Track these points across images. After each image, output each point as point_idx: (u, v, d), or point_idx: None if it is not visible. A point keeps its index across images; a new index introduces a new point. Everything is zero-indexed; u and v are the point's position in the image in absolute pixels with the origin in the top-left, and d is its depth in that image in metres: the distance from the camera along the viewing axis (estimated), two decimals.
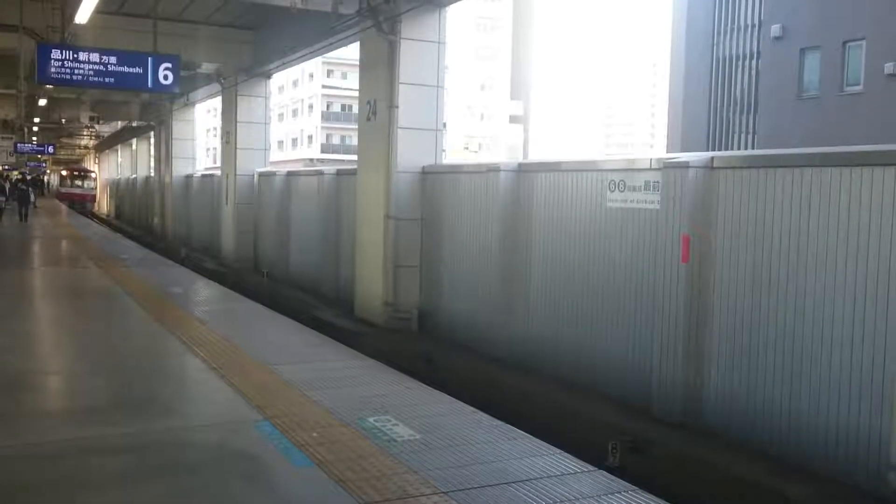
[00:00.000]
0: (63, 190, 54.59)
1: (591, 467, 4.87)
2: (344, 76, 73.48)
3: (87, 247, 18.70)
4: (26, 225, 24.99)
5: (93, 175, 57.56)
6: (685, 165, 7.80)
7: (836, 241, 6.60)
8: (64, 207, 44.01)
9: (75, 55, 11.22)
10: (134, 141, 42.85)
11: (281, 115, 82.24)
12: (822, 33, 26.17)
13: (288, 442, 5.01)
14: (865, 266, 6.38)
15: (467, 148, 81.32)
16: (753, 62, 31.16)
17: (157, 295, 11.01)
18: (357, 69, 14.20)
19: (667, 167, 8.04)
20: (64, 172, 57.40)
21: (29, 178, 54.05)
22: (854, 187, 6.47)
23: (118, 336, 8.59)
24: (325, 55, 21.82)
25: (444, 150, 13.52)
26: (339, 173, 16.29)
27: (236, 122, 21.11)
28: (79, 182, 55.11)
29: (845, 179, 6.54)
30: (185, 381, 6.84)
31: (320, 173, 16.88)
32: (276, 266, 18.99)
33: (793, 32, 27.64)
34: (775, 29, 28.30)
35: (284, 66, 20.49)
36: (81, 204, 50.52)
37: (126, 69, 11.40)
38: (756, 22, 30.89)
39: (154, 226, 31.93)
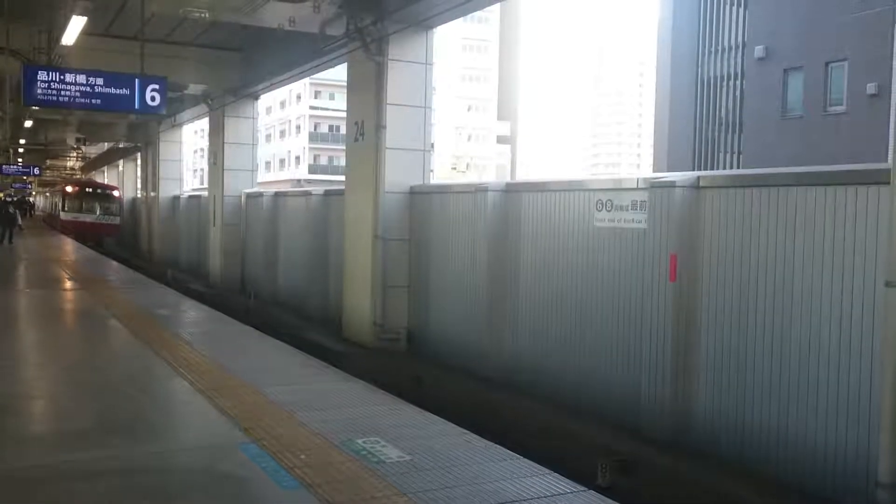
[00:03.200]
0: (68, 217, 35.47)
1: (581, 487, 4.85)
2: (331, 97, 73.68)
3: (74, 269, 18.58)
4: (12, 247, 24.80)
5: (116, 194, 37.01)
6: (672, 185, 7.85)
7: (822, 259, 6.64)
8: (54, 232, 38.96)
9: (62, 77, 11.20)
10: (121, 162, 42.72)
11: (268, 136, 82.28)
12: (804, 54, 26.51)
13: (275, 464, 4.97)
14: (851, 285, 6.42)
15: (455, 168, 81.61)
16: (738, 83, 31.48)
17: (143, 316, 10.93)
18: (345, 90, 14.25)
19: (653, 187, 8.08)
20: (70, 189, 36.76)
21: (13, 199, 45.83)
22: (838, 206, 6.53)
23: (103, 358, 8.52)
24: (312, 76, 21.89)
25: (431, 171, 13.56)
26: (326, 194, 16.28)
27: (224, 142, 21.10)
28: (94, 204, 35.43)
29: (829, 198, 6.59)
30: (171, 404, 6.78)
31: (308, 194, 16.87)
32: (264, 287, 18.91)
33: (776, 53, 27.97)
34: (759, 50, 28.65)
35: (272, 87, 20.53)
36: (96, 237, 33.97)
37: (113, 90, 11.38)
38: (740, 43, 31.25)
39: (141, 247, 31.82)
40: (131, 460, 5.09)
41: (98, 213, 35.10)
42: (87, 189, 36.72)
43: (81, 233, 33.28)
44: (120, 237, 36.68)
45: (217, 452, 5.26)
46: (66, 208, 35.89)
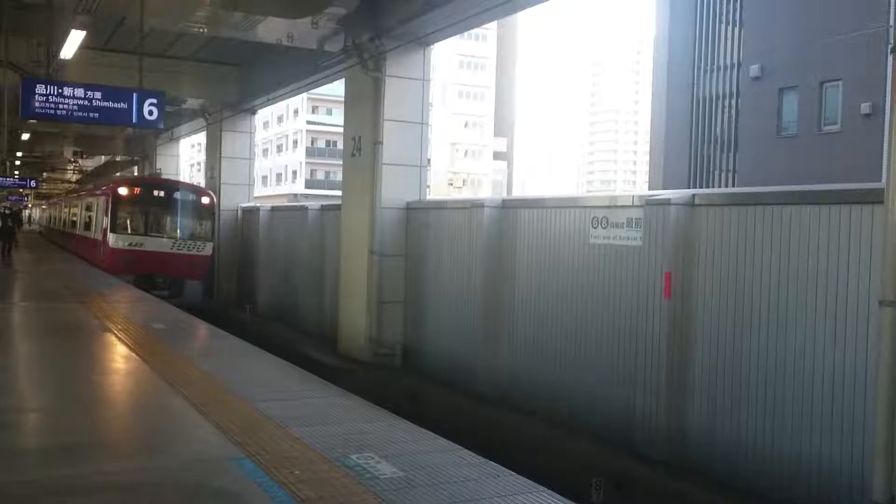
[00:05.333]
0: (123, 244, 20.33)
1: None
2: (329, 112, 73.89)
3: (72, 284, 18.52)
4: (11, 261, 24.49)
5: (206, 202, 20.99)
6: (667, 202, 7.89)
7: (816, 278, 6.67)
8: (45, 242, 36.64)
9: (60, 90, 11.22)
10: (117, 175, 42.74)
11: (265, 151, 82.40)
12: (799, 74, 26.68)
13: (269, 479, 4.95)
14: (845, 303, 6.44)
15: (451, 184, 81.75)
16: (733, 101, 31.66)
17: (139, 331, 10.91)
18: (342, 105, 14.31)
19: (649, 204, 8.12)
20: (125, 191, 20.94)
21: (10, 212, 46.95)
22: (833, 225, 6.56)
23: (98, 372, 8.49)
24: (310, 91, 22.04)
25: (428, 187, 13.60)
26: (323, 209, 16.31)
27: (221, 157, 21.16)
28: (172, 221, 20.75)
29: (824, 217, 6.63)
30: (166, 418, 6.75)
31: (304, 209, 16.90)
32: (260, 301, 18.89)
33: (771, 73, 28.15)
34: (754, 69, 28.83)
35: (269, 102, 20.62)
36: (175, 280, 20.02)
37: (111, 104, 11.40)
38: (735, 62, 31.45)
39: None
40: (126, 475, 5.06)
41: (179, 236, 20.09)
42: (157, 192, 20.54)
43: (148, 272, 19.39)
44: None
45: (211, 467, 5.24)
46: (117, 227, 20.08)
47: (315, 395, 7.47)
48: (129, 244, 19.97)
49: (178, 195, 20.48)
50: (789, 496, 6.74)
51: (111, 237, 20.20)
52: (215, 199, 20.88)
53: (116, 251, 20.03)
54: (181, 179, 30.14)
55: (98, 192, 23.88)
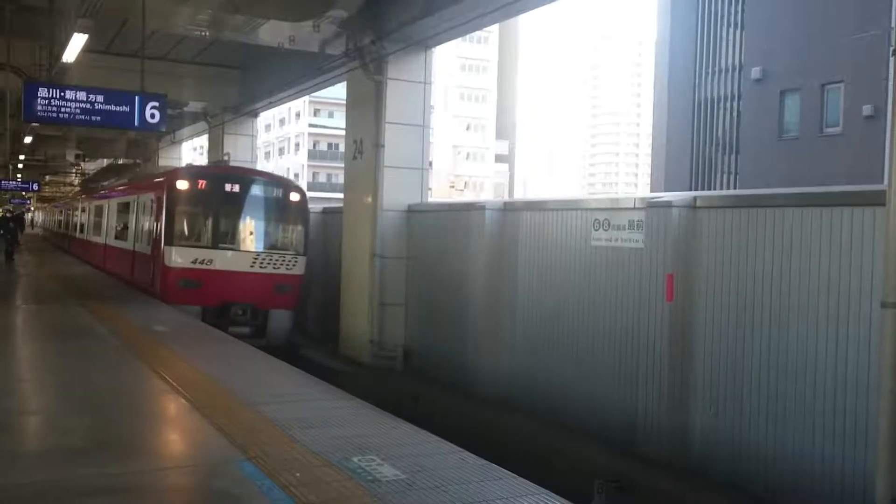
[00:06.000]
0: (185, 261, 13.94)
1: None
2: (331, 115, 73.96)
3: (74, 287, 18.53)
4: (13, 265, 24.44)
5: (296, 199, 14.85)
6: (668, 205, 7.88)
7: (818, 280, 6.66)
8: (51, 246, 35.59)
9: (62, 93, 11.25)
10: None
11: (268, 154, 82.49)
12: (801, 76, 26.67)
13: (270, 482, 4.95)
14: (847, 305, 6.44)
15: (453, 187, 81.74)
16: (735, 104, 31.65)
17: (138, 334, 10.91)
18: (344, 108, 14.32)
19: (650, 206, 8.12)
20: (184, 184, 14.54)
21: (13, 215, 41.27)
22: (834, 227, 6.56)
23: (99, 374, 8.49)
24: (311, 94, 22.05)
25: (429, 189, 13.62)
26: (324, 211, 16.31)
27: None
28: (250, 226, 14.77)
29: (825, 219, 6.63)
30: (167, 421, 6.76)
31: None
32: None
33: (772, 75, 28.14)
34: (755, 71, 28.82)
35: (271, 104, 20.65)
36: (259, 314, 13.94)
37: (113, 107, 11.43)
38: (736, 65, 31.44)
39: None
40: (127, 477, 5.06)
41: (263, 248, 14.63)
42: (230, 186, 14.78)
43: (221, 301, 13.78)
44: None
45: (213, 470, 5.24)
46: (177, 236, 14.40)
47: (316, 398, 7.47)
48: (195, 261, 13.78)
49: (258, 189, 14.77)
50: (791, 497, 6.73)
51: (168, 252, 13.92)
52: (304, 198, 14.92)
53: (176, 272, 13.84)
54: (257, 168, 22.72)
55: (143, 187, 17.23)
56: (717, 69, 32.82)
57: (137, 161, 33.05)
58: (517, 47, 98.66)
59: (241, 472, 5.16)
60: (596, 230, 9.00)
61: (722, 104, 32.62)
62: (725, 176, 32.25)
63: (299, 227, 14.56)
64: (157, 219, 14.61)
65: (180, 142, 28.95)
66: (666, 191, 27.66)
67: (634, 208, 8.50)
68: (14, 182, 39.76)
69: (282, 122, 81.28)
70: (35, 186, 41.46)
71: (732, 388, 7.37)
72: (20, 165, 38.94)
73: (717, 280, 7.57)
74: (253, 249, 14.29)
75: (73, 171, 45.56)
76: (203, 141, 27.22)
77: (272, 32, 14.06)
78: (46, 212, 49.14)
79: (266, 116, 45.60)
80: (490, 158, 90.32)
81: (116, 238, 19.73)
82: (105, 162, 41.20)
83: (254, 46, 15.89)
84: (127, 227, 18.34)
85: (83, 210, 28.33)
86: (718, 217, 7.60)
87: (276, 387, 7.91)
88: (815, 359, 6.65)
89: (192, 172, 16.01)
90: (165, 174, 16.03)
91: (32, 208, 70.61)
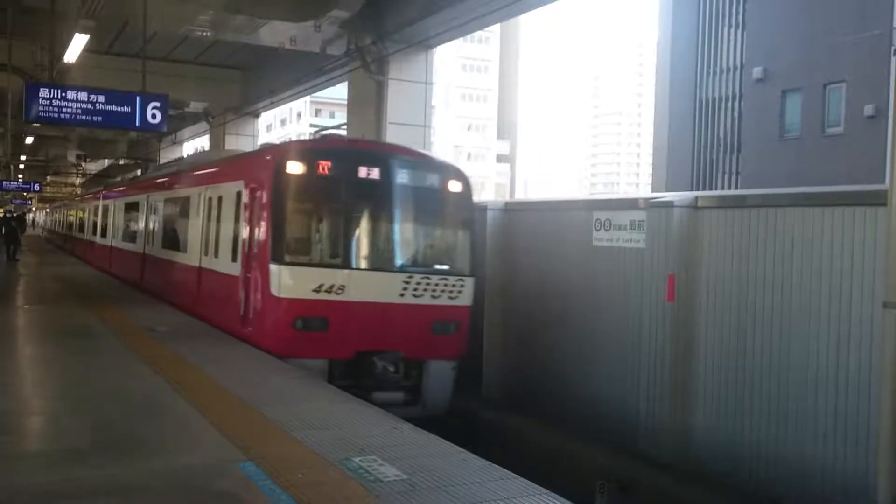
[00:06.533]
0: (310, 290, 8.98)
1: None
2: (332, 115, 74.00)
3: (71, 286, 18.54)
4: (16, 266, 24.40)
5: (456, 194, 9.76)
6: (670, 205, 7.88)
7: (820, 280, 6.65)
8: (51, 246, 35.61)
9: (63, 94, 11.26)
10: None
11: None
12: (802, 76, 26.66)
13: (272, 483, 4.95)
14: (849, 306, 6.42)
15: None
16: (736, 104, 31.64)
17: (138, 332, 10.92)
18: (345, 108, 14.32)
19: (652, 207, 8.11)
20: (297, 166, 9.26)
21: (13, 215, 45.43)
22: (836, 227, 6.55)
23: (101, 374, 8.49)
24: (312, 94, 22.05)
25: None
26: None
27: None
28: (396, 235, 9.67)
29: (827, 219, 6.62)
30: (170, 421, 6.76)
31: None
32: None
33: (774, 75, 28.13)
34: (757, 71, 28.81)
35: (272, 105, 20.67)
36: (413, 367, 9.36)
37: (114, 108, 11.44)
38: (738, 64, 31.43)
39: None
40: (130, 478, 5.06)
41: (418, 266, 9.65)
42: (365, 170, 9.46)
43: (351, 350, 9.18)
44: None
45: (215, 470, 5.24)
46: (287, 247, 9.36)
47: (317, 399, 7.47)
48: (319, 288, 9.07)
49: (408, 175, 9.71)
50: (793, 497, 6.72)
51: (276, 274, 9.19)
52: (470, 189, 10.05)
53: (291, 306, 9.18)
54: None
55: (218, 175, 12.25)
56: (718, 69, 32.81)
57: (138, 161, 33.04)
58: (518, 47, 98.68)
59: (243, 472, 5.16)
60: (597, 230, 8.99)
61: (723, 104, 32.61)
62: (727, 176, 32.24)
63: (465, 233, 9.75)
64: (255, 221, 9.67)
65: (181, 142, 28.99)
66: (667, 191, 27.64)
67: (636, 208, 8.48)
68: (15, 183, 39.83)
69: (283, 122, 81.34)
70: (36, 187, 41.53)
71: (734, 387, 7.34)
72: (21, 166, 39.02)
73: (719, 280, 7.54)
74: (403, 269, 9.39)
75: (75, 171, 45.67)
76: (204, 141, 27.22)
77: (273, 33, 14.09)
78: (57, 209, 40.85)
79: (267, 117, 45.63)
80: (491, 158, 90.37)
81: (166, 247, 14.55)
82: (106, 162, 41.28)
83: (255, 47, 15.93)
84: (186, 233, 13.20)
85: (105, 209, 22.64)
86: (720, 217, 7.57)
87: (278, 387, 7.91)
88: (817, 358, 6.64)
89: (310, 150, 9.82)
90: (265, 153, 10.87)
91: (34, 209, 70.74)
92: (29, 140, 27.32)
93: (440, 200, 9.83)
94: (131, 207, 18.64)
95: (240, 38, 14.90)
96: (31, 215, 68.47)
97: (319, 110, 76.12)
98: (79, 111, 11.35)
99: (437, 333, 9.35)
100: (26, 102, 11.22)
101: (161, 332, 11.13)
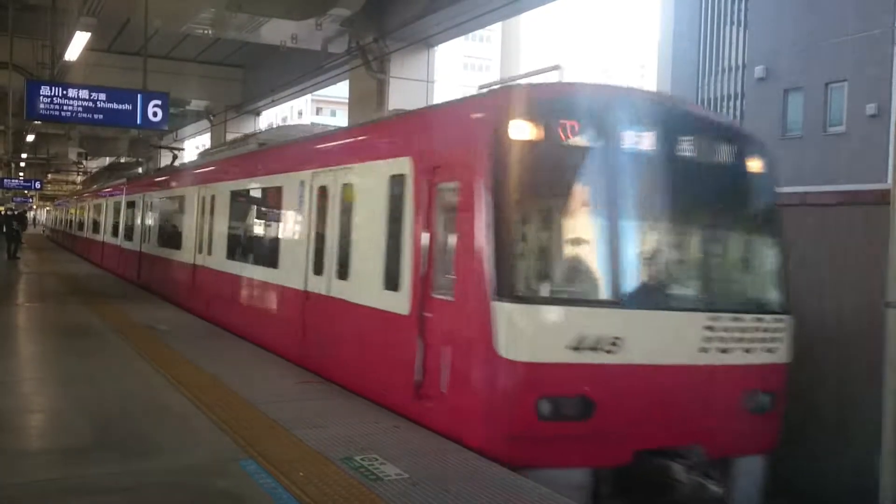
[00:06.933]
0: (568, 349, 5.29)
1: None
2: (333, 114, 73.94)
3: (81, 286, 18.52)
4: (17, 264, 24.33)
5: (759, 180, 6.23)
6: None
7: (820, 280, 6.63)
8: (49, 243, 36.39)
9: (65, 91, 11.26)
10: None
11: None
12: (804, 75, 26.64)
13: (274, 481, 4.94)
14: (851, 304, 6.41)
15: None
16: (738, 102, 31.63)
17: (141, 330, 10.91)
18: (346, 107, 14.33)
19: None
20: (527, 132, 5.45)
21: (14, 213, 43.72)
22: (837, 227, 6.53)
23: (102, 373, 8.49)
24: (314, 93, 22.07)
25: None
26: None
27: None
28: (702, 260, 6.12)
29: (830, 218, 6.60)
30: (171, 419, 6.75)
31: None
32: None
33: (776, 74, 28.11)
34: (759, 70, 28.79)
35: (274, 103, 20.65)
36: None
37: (115, 106, 11.44)
38: (740, 63, 31.42)
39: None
40: (132, 476, 5.05)
41: (725, 302, 6.03)
42: (663, 142, 5.92)
43: (630, 449, 5.60)
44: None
45: (216, 468, 5.23)
46: (516, 280, 5.49)
47: (318, 398, 7.46)
48: (579, 344, 5.43)
49: (709, 146, 6.19)
50: (792, 498, 6.71)
51: (506, 317, 5.45)
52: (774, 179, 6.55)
53: (534, 378, 5.45)
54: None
55: (361, 142, 8.91)
56: (720, 68, 32.80)
57: (139, 159, 32.96)
58: (519, 46, 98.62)
59: (244, 470, 5.16)
60: None
61: (725, 103, 32.60)
62: None
63: (775, 243, 6.37)
64: (442, 225, 6.30)
65: (183, 140, 28.95)
66: None
67: None
68: (16, 180, 39.80)
69: (284, 120, 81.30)
70: (38, 185, 41.53)
71: None
72: (22, 164, 39.04)
73: None
74: (708, 306, 5.94)
75: (77, 169, 45.69)
76: (206, 139, 27.22)
77: (275, 31, 14.09)
78: (69, 203, 35.71)
79: (268, 115, 45.55)
80: None
81: (237, 259, 11.11)
82: (107, 160, 41.29)
83: (256, 45, 15.93)
84: (275, 241, 9.79)
85: (134, 204, 17.89)
86: None
87: (279, 386, 7.90)
88: (819, 357, 6.63)
89: (566, 99, 6.07)
90: (465, 107, 6.69)
91: (35, 206, 70.78)
92: (30, 138, 27.31)
93: (747, 190, 6.31)
94: (183, 202, 13.81)
95: (241, 36, 14.89)
96: (31, 213, 68.50)
97: (321, 108, 76.10)
98: (80, 109, 11.35)
99: (753, 412, 5.97)
100: (27, 100, 11.22)
101: (162, 330, 11.14)
